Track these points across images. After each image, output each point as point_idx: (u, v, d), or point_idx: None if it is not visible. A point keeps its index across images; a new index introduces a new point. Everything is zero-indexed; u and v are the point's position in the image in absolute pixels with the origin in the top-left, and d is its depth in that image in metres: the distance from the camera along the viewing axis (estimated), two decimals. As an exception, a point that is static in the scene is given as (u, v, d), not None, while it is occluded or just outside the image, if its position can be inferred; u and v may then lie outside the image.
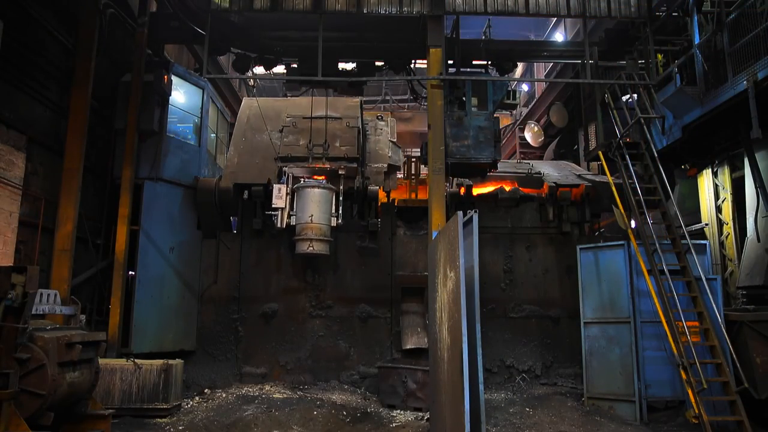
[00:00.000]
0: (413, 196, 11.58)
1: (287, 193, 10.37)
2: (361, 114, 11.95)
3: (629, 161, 9.17)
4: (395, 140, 12.85)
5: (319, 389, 9.94)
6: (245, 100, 13.09)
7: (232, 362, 10.59)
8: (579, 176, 12.52)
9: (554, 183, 11.68)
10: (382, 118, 12.84)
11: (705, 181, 11.33)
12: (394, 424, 7.95)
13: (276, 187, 10.39)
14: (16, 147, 7.90)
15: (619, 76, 9.83)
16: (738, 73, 8.03)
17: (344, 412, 8.24)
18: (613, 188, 9.56)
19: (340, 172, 10.78)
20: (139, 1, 10.34)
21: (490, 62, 11.48)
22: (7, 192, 7.69)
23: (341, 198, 10.71)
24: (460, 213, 5.24)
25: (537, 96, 19.25)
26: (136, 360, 8.12)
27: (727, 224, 10.69)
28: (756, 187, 9.16)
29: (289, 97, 11.51)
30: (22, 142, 8.03)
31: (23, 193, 8.04)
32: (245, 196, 11.13)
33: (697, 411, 7.13)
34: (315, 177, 10.77)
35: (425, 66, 10.05)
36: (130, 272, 9.86)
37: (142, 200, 10.09)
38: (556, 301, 11.23)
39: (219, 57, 12.87)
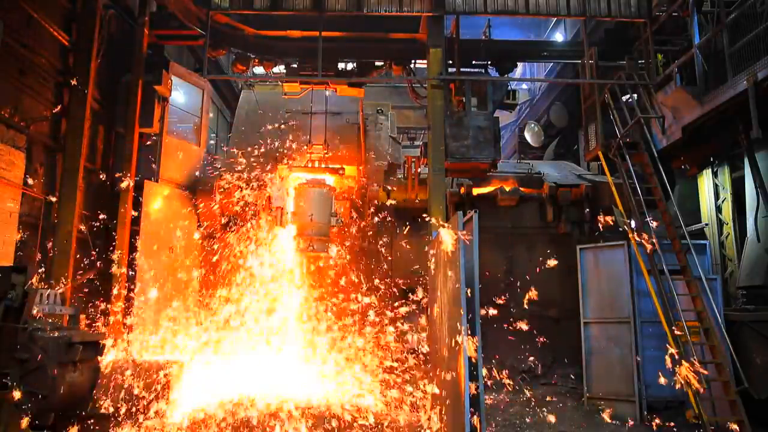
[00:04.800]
0: (413, 196, 11.57)
1: (287, 193, 10.38)
2: (361, 109, 11.95)
3: (629, 161, 9.17)
4: (395, 136, 12.82)
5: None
6: (244, 94, 13.03)
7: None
8: (579, 176, 12.51)
9: (554, 183, 11.67)
10: (382, 111, 12.76)
11: (705, 181, 11.32)
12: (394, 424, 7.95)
13: (276, 186, 10.39)
14: (16, 147, 7.90)
15: (619, 76, 9.83)
16: (738, 73, 8.02)
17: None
18: (613, 188, 9.55)
19: (340, 172, 10.78)
20: (139, 1, 10.34)
21: (490, 62, 11.48)
22: (7, 192, 7.69)
23: (341, 197, 10.72)
24: (460, 213, 5.25)
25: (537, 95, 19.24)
26: (135, 360, 8.11)
27: (727, 224, 10.68)
28: (756, 187, 9.16)
29: (287, 95, 11.47)
30: (22, 142, 8.02)
31: (23, 193, 8.03)
32: (245, 195, 11.12)
33: (697, 411, 7.14)
34: (314, 175, 10.77)
35: (425, 66, 10.06)
36: (130, 272, 9.86)
37: (143, 200, 10.10)
38: (556, 301, 11.22)
39: (219, 57, 12.86)
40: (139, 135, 10.13)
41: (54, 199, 8.75)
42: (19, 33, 7.95)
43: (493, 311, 10.93)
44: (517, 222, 11.66)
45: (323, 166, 10.99)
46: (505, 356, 10.82)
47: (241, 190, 11.12)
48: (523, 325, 11.08)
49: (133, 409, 7.69)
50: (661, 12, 9.91)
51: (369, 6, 9.79)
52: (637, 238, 8.51)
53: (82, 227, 9.24)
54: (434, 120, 9.39)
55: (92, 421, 6.01)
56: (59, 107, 8.98)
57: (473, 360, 4.79)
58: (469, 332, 4.81)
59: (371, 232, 11.17)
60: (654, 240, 8.31)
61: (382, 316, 10.88)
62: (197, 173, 11.26)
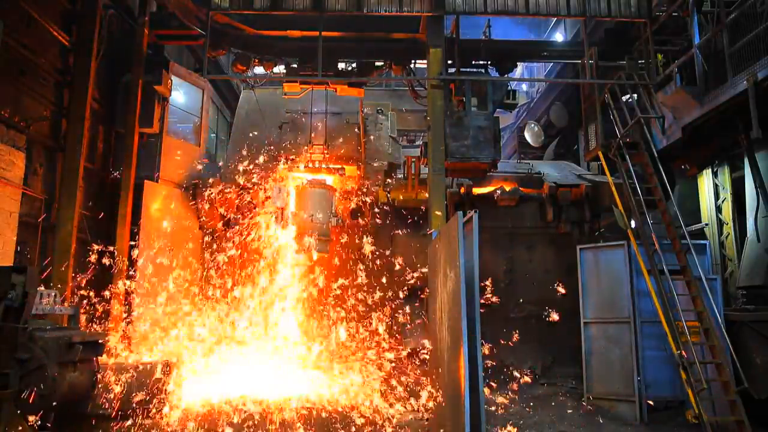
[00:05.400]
0: (413, 196, 11.57)
1: (287, 193, 10.40)
2: (361, 109, 11.96)
3: (629, 161, 9.17)
4: (395, 136, 12.83)
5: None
6: (244, 94, 13.05)
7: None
8: (579, 176, 12.51)
9: (554, 183, 11.67)
10: (382, 111, 12.78)
11: (705, 181, 11.32)
12: (394, 423, 7.95)
13: (276, 186, 10.41)
14: (16, 147, 7.90)
15: (619, 76, 9.82)
16: (738, 73, 8.02)
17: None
18: (613, 188, 9.54)
19: (340, 173, 10.79)
20: (139, 1, 10.35)
21: (490, 62, 11.47)
22: (7, 192, 7.69)
23: (341, 197, 10.73)
24: (460, 213, 5.24)
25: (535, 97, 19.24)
26: (135, 360, 8.11)
27: (727, 224, 10.68)
28: (756, 187, 9.16)
29: (287, 95, 11.49)
30: (22, 142, 8.02)
31: (23, 193, 8.03)
32: (245, 195, 11.14)
33: (697, 411, 7.13)
34: (315, 175, 10.78)
35: (425, 66, 10.06)
36: (130, 272, 9.87)
37: (143, 200, 10.10)
38: (556, 301, 11.22)
39: (219, 57, 12.88)
40: (139, 135, 10.14)
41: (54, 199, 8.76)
42: (19, 33, 7.95)
43: (493, 311, 10.99)
44: (517, 222, 11.66)
45: (323, 166, 10.99)
46: (504, 356, 10.83)
47: (242, 191, 11.14)
48: (523, 325, 11.11)
49: (133, 409, 7.70)
50: (661, 12, 9.91)
51: (369, 6, 9.79)
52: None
53: (82, 227, 9.25)
54: (434, 120, 9.39)
55: (92, 420, 6.00)
56: (59, 107, 8.99)
57: (473, 360, 4.78)
58: (469, 332, 4.81)
59: (371, 232, 11.17)
60: (654, 240, 8.30)
61: (382, 314, 10.91)
62: (197, 173, 11.26)
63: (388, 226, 11.28)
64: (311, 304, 11.03)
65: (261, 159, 11.44)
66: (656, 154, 9.32)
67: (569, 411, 8.43)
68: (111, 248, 9.86)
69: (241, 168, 11.41)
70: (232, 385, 9.51)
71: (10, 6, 7.74)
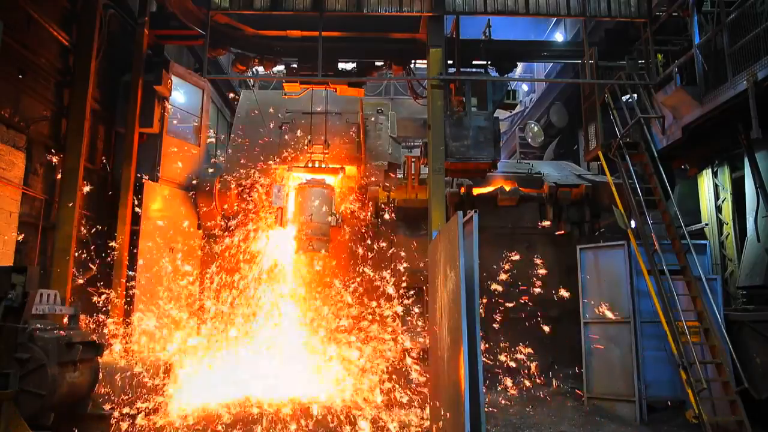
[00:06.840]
0: (413, 196, 11.57)
1: (287, 193, 10.40)
2: (361, 109, 11.97)
3: (629, 161, 9.17)
4: (396, 135, 12.83)
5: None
6: (244, 93, 13.08)
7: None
8: (579, 176, 12.52)
9: (554, 183, 11.67)
10: (382, 111, 12.78)
11: (705, 181, 11.32)
12: (394, 424, 7.95)
13: (276, 186, 10.42)
14: (16, 147, 7.90)
15: (619, 76, 9.83)
16: (738, 73, 8.02)
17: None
18: (613, 188, 9.54)
19: (340, 173, 10.79)
20: (139, 1, 10.35)
21: (490, 62, 11.48)
22: (8, 192, 7.69)
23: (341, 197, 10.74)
24: (460, 213, 5.24)
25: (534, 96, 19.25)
26: (135, 359, 8.11)
27: (727, 224, 10.68)
28: (756, 187, 9.16)
29: (287, 95, 11.51)
30: (22, 142, 8.03)
31: (23, 193, 8.03)
32: (245, 195, 11.15)
33: (697, 411, 7.13)
34: (314, 175, 10.78)
35: (425, 66, 10.06)
36: (131, 272, 9.87)
37: (142, 200, 10.10)
38: (556, 301, 11.23)
39: (219, 57, 12.88)
40: (139, 135, 10.14)
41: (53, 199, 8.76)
42: (19, 33, 7.95)
43: (493, 311, 11.00)
44: (517, 222, 11.66)
45: (323, 166, 11.00)
46: (504, 356, 10.83)
47: (242, 190, 11.14)
48: (523, 325, 11.11)
49: (133, 408, 7.70)
50: (661, 12, 9.91)
51: (369, 6, 9.79)
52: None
53: (82, 227, 9.25)
54: (434, 120, 9.39)
55: (92, 420, 6.00)
56: (59, 107, 8.99)
57: (473, 360, 4.78)
58: (469, 332, 4.81)
59: (371, 232, 11.17)
60: (654, 240, 8.30)
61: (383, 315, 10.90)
62: (197, 173, 11.27)
63: (388, 226, 11.28)
64: (310, 303, 11.02)
65: (261, 159, 11.44)
66: (656, 154, 9.32)
67: (569, 411, 8.43)
68: (111, 248, 9.87)
69: (240, 168, 11.43)
70: (233, 387, 9.51)
71: (10, 6, 7.74)
